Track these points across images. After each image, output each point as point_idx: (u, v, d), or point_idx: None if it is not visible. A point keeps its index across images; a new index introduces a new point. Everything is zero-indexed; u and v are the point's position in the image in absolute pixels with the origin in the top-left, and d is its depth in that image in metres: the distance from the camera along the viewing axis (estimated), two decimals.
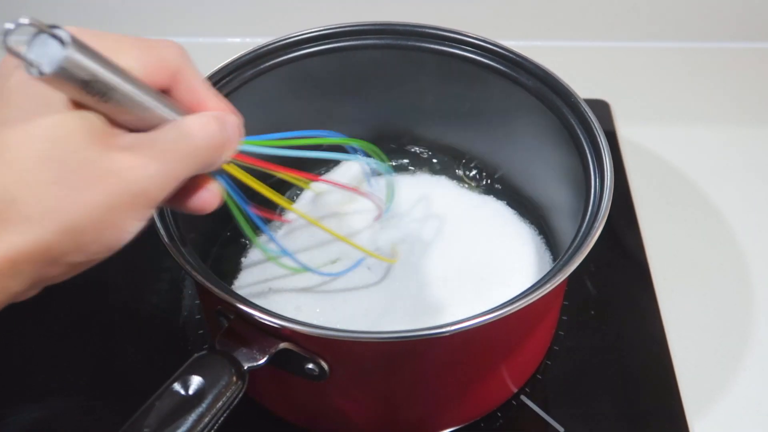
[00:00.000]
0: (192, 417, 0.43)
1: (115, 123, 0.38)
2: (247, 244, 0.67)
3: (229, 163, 0.45)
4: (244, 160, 0.46)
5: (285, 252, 0.58)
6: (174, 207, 0.44)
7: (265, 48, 0.64)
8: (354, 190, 0.63)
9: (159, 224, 0.52)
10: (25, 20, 0.34)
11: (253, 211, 0.49)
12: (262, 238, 0.65)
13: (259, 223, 0.50)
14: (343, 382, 0.53)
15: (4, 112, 0.37)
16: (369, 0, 0.93)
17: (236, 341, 0.48)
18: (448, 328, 0.47)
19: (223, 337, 0.48)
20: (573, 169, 0.59)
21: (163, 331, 0.68)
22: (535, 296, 0.48)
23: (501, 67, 0.64)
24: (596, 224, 0.52)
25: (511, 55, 0.64)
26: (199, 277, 0.50)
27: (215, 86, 0.61)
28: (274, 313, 0.48)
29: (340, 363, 0.51)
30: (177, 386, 0.44)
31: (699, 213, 0.79)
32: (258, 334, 0.49)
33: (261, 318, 0.48)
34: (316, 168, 0.70)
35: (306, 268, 0.58)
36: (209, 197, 0.44)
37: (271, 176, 0.50)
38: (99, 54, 0.36)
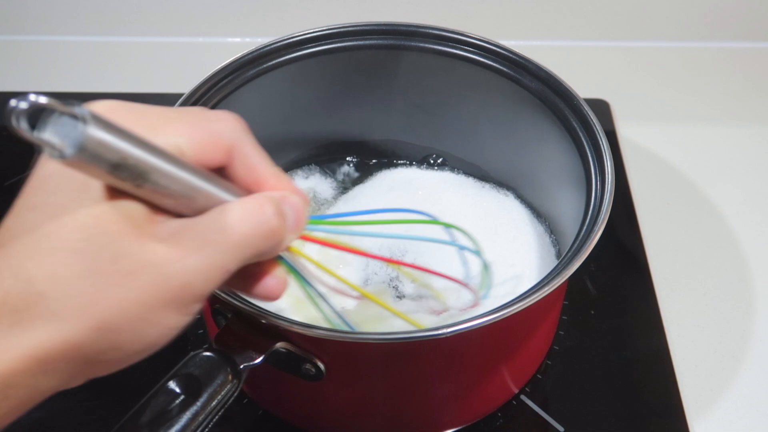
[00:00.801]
0: (186, 415, 0.43)
1: (158, 209, 0.35)
2: None
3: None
4: (312, 241, 0.42)
5: (349, 326, 0.54)
6: (237, 292, 0.41)
7: (267, 48, 0.64)
8: (448, 277, 0.56)
9: None
10: (34, 98, 0.29)
11: (320, 288, 0.46)
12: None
13: (331, 306, 0.49)
14: (339, 382, 0.53)
15: (42, 199, 0.34)
16: (370, 0, 0.94)
17: (233, 340, 0.48)
18: (444, 330, 0.47)
19: (220, 336, 0.48)
20: (574, 170, 0.59)
21: None
22: (534, 298, 0.48)
23: (503, 68, 0.64)
24: (596, 227, 0.52)
25: (512, 56, 0.64)
26: None
27: (216, 86, 0.61)
28: (271, 312, 0.48)
29: (337, 363, 0.51)
30: (172, 384, 0.44)
31: (699, 213, 0.79)
32: (255, 334, 0.49)
33: (257, 317, 0.48)
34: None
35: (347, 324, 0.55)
36: (274, 285, 0.40)
37: None
38: (128, 132, 0.32)
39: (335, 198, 0.71)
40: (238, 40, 0.98)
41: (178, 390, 0.44)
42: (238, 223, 0.35)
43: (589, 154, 0.58)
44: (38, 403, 0.34)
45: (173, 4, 0.95)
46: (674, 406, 0.63)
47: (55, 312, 0.32)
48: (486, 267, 0.60)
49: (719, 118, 0.89)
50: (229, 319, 0.50)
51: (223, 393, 0.45)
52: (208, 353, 0.46)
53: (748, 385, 0.65)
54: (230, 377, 0.45)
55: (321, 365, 0.50)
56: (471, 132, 0.70)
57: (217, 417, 0.44)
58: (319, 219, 0.43)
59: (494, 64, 0.64)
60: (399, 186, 0.71)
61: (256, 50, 0.63)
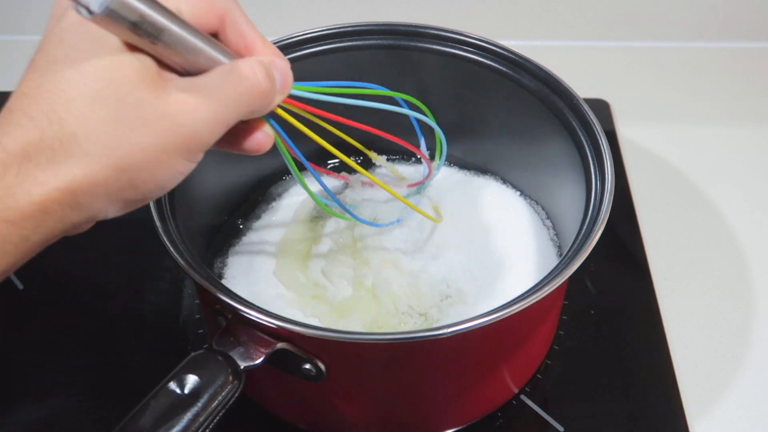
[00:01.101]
0: (187, 416, 0.43)
1: (166, 66, 0.39)
2: (241, 230, 0.68)
3: (280, 107, 0.46)
4: (294, 105, 0.47)
5: (333, 197, 0.58)
6: (228, 149, 0.45)
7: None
8: (404, 143, 0.61)
9: (158, 224, 0.52)
10: None
11: (303, 158, 0.51)
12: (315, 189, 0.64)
13: (308, 166, 0.52)
14: (340, 382, 0.53)
15: (60, 51, 0.37)
16: (370, 0, 0.94)
17: (233, 341, 0.48)
18: (445, 330, 0.47)
19: (220, 336, 0.48)
20: (575, 170, 0.59)
21: (163, 330, 0.68)
22: (535, 299, 0.48)
23: (503, 68, 0.64)
24: (596, 227, 0.52)
25: (512, 56, 0.64)
26: (197, 276, 0.50)
27: None
28: (271, 313, 0.48)
29: (337, 364, 0.51)
30: (173, 385, 0.44)
31: (699, 213, 0.79)
32: (255, 334, 0.49)
33: (258, 318, 0.48)
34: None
35: (353, 216, 0.59)
36: (263, 138, 0.45)
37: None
38: None
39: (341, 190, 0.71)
40: None
41: (178, 391, 0.44)
42: (241, 80, 0.41)
43: (588, 154, 0.58)
44: (60, 237, 0.38)
45: None
46: (674, 406, 0.63)
47: (85, 151, 0.36)
48: (439, 138, 0.63)
49: (719, 118, 0.89)
50: (230, 320, 0.49)
51: (224, 393, 0.45)
52: (208, 354, 0.46)
53: (748, 385, 0.65)
54: (231, 378, 0.45)
55: (321, 366, 0.50)
56: (471, 131, 0.70)
57: (218, 417, 0.44)
58: (301, 85, 0.47)
59: (494, 64, 0.64)
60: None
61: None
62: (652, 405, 0.63)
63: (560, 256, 0.65)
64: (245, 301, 0.49)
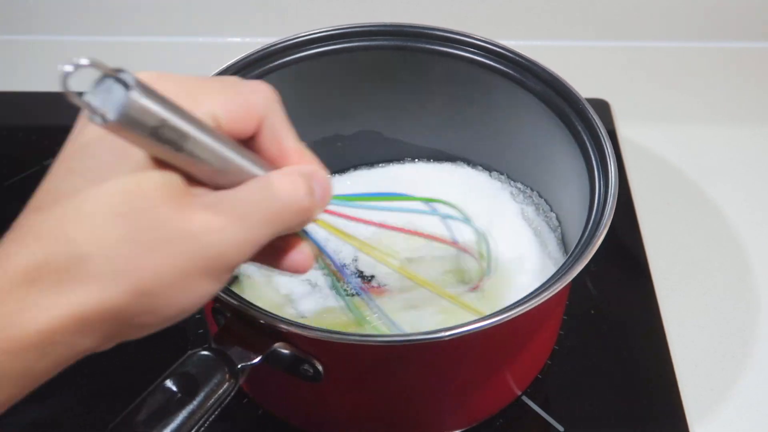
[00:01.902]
0: (183, 414, 0.43)
1: (195, 180, 0.36)
2: None
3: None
4: (331, 214, 0.44)
5: (381, 312, 0.56)
6: (265, 266, 0.42)
7: (272, 48, 0.64)
8: (449, 242, 0.61)
9: None
10: (85, 61, 0.31)
11: (342, 268, 0.50)
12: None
13: (347, 276, 0.51)
14: (338, 384, 0.53)
15: (83, 164, 0.35)
16: (371, 0, 0.94)
17: (232, 340, 0.48)
18: (443, 333, 0.47)
19: (218, 335, 0.48)
20: (578, 173, 0.59)
21: (163, 330, 0.68)
22: (535, 303, 0.48)
23: (507, 70, 0.64)
24: (598, 232, 0.51)
25: (517, 58, 0.63)
26: None
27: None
28: (269, 312, 0.48)
29: (335, 365, 0.51)
30: (169, 383, 0.44)
31: (699, 213, 0.79)
32: (253, 333, 0.48)
33: (256, 317, 0.48)
34: None
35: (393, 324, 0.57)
36: (302, 259, 0.41)
37: None
38: (167, 98, 0.33)
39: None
40: (238, 40, 0.98)
41: (174, 388, 0.44)
42: (276, 198, 0.37)
43: (593, 158, 0.58)
44: (72, 362, 0.36)
45: (173, 4, 0.96)
46: (674, 406, 0.63)
47: (96, 275, 0.33)
48: (485, 239, 0.62)
49: (719, 118, 0.89)
50: (228, 319, 0.49)
51: (220, 392, 0.45)
52: (205, 352, 0.46)
53: (749, 385, 0.65)
54: (227, 376, 0.45)
55: (319, 366, 0.50)
56: (476, 132, 0.70)
57: (214, 416, 0.44)
58: (341, 196, 0.45)
59: (498, 66, 0.64)
60: (404, 179, 0.72)
61: (262, 50, 0.63)
62: (652, 405, 0.63)
63: (565, 253, 0.65)
64: (243, 299, 0.49)
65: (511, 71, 0.64)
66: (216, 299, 0.49)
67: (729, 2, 0.94)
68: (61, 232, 0.33)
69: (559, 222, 0.67)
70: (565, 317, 0.68)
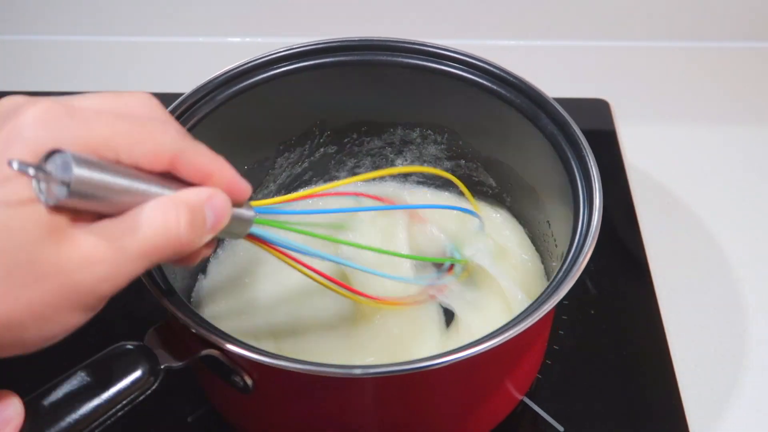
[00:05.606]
0: (90, 404, 0.42)
1: (80, 211, 0.36)
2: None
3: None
4: (266, 246, 0.45)
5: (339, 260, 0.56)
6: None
7: (260, 60, 0.62)
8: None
9: None
10: (21, 165, 0.32)
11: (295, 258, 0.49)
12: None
13: (306, 250, 0.49)
14: (267, 400, 0.52)
15: None
16: (364, 6, 0.94)
17: (164, 339, 0.47)
18: (374, 370, 0.45)
19: (152, 333, 0.48)
20: (564, 194, 0.57)
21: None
22: (515, 332, 0.46)
23: (489, 84, 0.62)
24: (580, 259, 0.50)
25: (495, 69, 0.62)
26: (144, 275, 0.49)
27: (222, 86, 0.61)
28: (201, 320, 0.47)
29: (264, 382, 0.49)
30: (85, 372, 0.43)
31: (699, 213, 0.79)
32: (187, 336, 0.47)
33: (187, 326, 0.47)
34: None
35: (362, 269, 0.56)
36: (204, 254, 0.42)
37: None
38: (102, 164, 0.35)
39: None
40: (238, 40, 0.98)
41: (89, 379, 0.43)
42: (145, 233, 0.36)
43: (578, 179, 0.56)
44: None
45: (173, 4, 0.96)
46: (674, 406, 0.63)
47: None
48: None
49: (719, 118, 0.89)
50: (168, 317, 0.49)
51: (134, 389, 0.44)
52: (130, 346, 0.46)
53: (748, 385, 0.65)
54: (147, 375, 0.44)
55: (248, 380, 0.49)
56: (473, 155, 0.69)
57: (122, 412, 0.44)
58: (271, 218, 0.44)
59: (479, 80, 0.62)
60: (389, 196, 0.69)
61: (266, 55, 0.62)
62: (652, 405, 0.63)
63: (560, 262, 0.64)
64: (178, 303, 0.48)
65: (491, 84, 0.62)
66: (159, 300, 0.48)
67: (729, 2, 0.94)
68: None
69: (555, 237, 0.66)
70: (564, 317, 0.68)
